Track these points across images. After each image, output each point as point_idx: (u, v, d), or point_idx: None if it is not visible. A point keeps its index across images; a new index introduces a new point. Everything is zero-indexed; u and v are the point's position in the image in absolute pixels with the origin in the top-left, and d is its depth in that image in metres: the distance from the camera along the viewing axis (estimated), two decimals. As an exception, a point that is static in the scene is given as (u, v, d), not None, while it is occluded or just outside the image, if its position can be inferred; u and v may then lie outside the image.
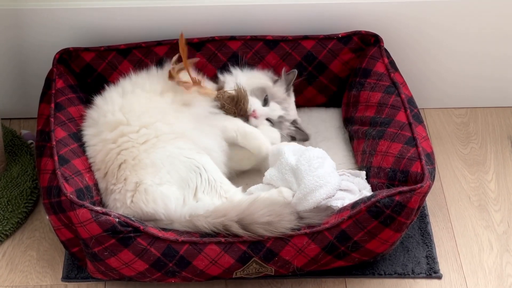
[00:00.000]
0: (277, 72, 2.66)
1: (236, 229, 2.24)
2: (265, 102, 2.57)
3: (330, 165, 2.38)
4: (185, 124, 2.44)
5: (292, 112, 2.64)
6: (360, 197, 2.35)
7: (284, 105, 2.61)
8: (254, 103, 2.55)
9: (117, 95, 2.48)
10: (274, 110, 2.58)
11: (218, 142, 2.48)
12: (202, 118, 2.48)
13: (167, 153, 2.36)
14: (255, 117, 2.55)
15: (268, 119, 2.58)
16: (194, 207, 2.33)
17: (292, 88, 2.65)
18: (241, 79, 2.57)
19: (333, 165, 2.39)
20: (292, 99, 2.66)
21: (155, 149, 2.36)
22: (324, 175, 2.33)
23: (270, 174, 2.42)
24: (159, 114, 2.42)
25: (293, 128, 2.62)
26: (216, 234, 2.27)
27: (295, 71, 2.63)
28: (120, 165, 2.37)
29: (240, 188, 2.41)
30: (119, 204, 2.35)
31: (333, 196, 2.34)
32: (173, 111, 2.45)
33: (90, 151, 2.44)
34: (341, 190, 2.38)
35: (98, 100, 2.49)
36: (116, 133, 2.40)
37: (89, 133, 2.45)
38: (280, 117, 2.59)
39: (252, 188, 2.44)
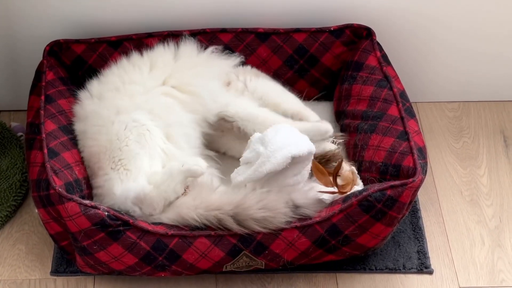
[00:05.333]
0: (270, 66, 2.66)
1: (231, 223, 2.22)
2: None
3: (301, 135, 2.32)
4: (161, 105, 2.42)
5: None
6: (352, 191, 2.34)
7: None
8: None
9: (97, 86, 2.47)
10: None
11: (199, 117, 2.46)
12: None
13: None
14: None
15: None
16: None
17: None
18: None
19: (307, 138, 2.33)
20: None
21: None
22: (292, 136, 2.28)
23: (244, 155, 2.37)
24: (141, 102, 2.40)
25: None
26: (206, 227, 2.26)
27: None
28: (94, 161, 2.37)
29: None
30: (99, 200, 2.34)
31: (306, 157, 2.27)
32: (157, 94, 2.43)
33: (79, 146, 2.43)
34: (332, 184, 2.37)
35: (82, 94, 2.48)
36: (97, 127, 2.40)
37: (78, 128, 2.45)
38: None
39: (233, 174, 2.35)
